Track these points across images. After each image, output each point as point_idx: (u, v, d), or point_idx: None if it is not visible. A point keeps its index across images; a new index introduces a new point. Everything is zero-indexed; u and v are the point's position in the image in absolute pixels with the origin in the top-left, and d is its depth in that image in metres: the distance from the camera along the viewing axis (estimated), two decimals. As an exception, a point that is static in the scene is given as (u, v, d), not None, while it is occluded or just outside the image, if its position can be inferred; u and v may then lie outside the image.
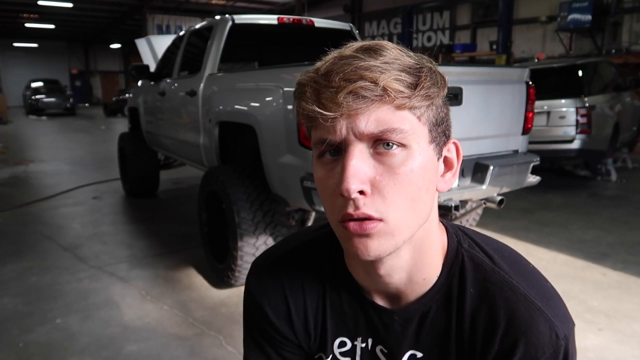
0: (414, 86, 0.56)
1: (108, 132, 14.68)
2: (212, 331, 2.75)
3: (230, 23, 3.84)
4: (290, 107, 2.65)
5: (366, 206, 0.55)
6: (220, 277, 3.29)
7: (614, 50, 10.44)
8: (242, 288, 3.20)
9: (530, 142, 3.50)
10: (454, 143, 0.66)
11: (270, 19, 4.19)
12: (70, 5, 18.52)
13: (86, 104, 30.60)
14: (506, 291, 0.64)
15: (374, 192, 0.55)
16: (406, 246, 0.62)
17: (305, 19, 4.36)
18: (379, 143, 0.56)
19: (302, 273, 0.76)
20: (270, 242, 3.03)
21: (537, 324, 0.62)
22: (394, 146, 0.56)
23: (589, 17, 10.35)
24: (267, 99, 2.91)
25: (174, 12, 18.40)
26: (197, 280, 3.45)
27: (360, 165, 0.55)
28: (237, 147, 3.63)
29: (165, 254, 4.00)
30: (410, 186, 0.56)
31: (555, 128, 5.54)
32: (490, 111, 3.14)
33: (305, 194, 2.60)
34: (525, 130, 3.35)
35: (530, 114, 3.34)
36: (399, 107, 0.55)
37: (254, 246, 2.98)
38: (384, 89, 0.54)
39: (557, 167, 7.16)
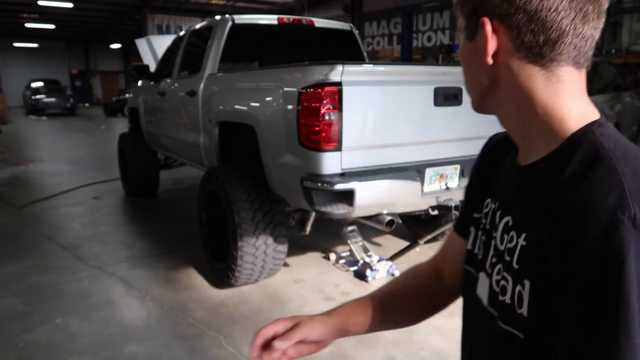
0: None
1: (108, 132, 14.68)
2: (212, 331, 2.75)
3: (230, 23, 3.84)
4: (290, 107, 2.65)
5: None
6: (220, 277, 3.29)
7: (614, 50, 10.43)
8: (242, 288, 3.19)
9: (531, 142, 3.49)
10: (481, 21, 0.68)
11: (270, 19, 4.19)
12: (70, 5, 18.52)
13: (86, 104, 30.58)
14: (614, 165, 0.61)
15: None
16: (496, 107, 0.75)
17: (305, 19, 4.36)
18: None
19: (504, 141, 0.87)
20: (270, 242, 3.03)
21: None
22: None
23: (589, 17, 10.33)
24: (267, 99, 2.91)
25: (174, 12, 18.39)
26: (197, 280, 3.45)
27: None
28: (237, 147, 3.63)
29: (165, 254, 4.00)
30: (461, 62, 0.78)
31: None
32: (490, 111, 3.14)
33: (305, 194, 2.60)
34: (526, 130, 3.35)
35: (531, 114, 3.34)
36: (458, 15, 0.76)
37: (254, 246, 2.98)
38: None
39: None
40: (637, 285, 0.53)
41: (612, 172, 0.60)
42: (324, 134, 2.50)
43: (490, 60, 0.68)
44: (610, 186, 0.58)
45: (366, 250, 3.57)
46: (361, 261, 3.52)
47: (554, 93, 0.68)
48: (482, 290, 0.78)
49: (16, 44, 28.59)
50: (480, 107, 0.78)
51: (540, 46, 0.65)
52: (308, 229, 3.15)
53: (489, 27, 0.66)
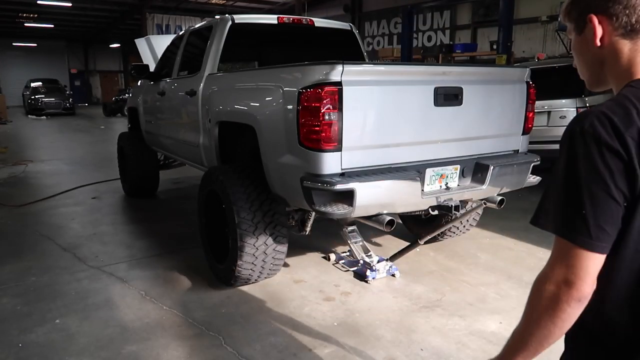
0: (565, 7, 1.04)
1: (107, 132, 14.67)
2: (212, 331, 2.75)
3: (230, 23, 3.83)
4: (290, 106, 2.65)
5: None
6: (220, 278, 3.28)
7: None
8: (242, 288, 3.17)
9: (531, 142, 3.49)
10: (589, 17, 0.96)
11: (270, 19, 4.19)
12: (69, 4, 18.50)
13: (85, 104, 30.56)
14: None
15: None
16: (607, 82, 1.00)
17: (305, 18, 4.35)
18: None
19: None
20: (270, 242, 3.03)
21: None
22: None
23: (589, 17, 10.33)
24: (267, 99, 2.90)
25: (173, 12, 18.41)
26: (197, 280, 3.45)
27: None
28: (237, 147, 3.63)
29: (165, 254, 3.99)
30: (574, 54, 1.05)
31: (555, 128, 5.53)
32: (490, 111, 3.13)
33: (305, 194, 2.59)
34: (526, 130, 3.34)
35: (531, 114, 3.33)
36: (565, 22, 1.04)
37: (254, 246, 2.97)
38: None
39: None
40: (567, 167, 0.87)
41: (601, 105, 0.87)
42: (324, 134, 2.49)
43: (598, 43, 0.96)
44: (589, 113, 0.87)
45: (366, 251, 3.57)
46: (361, 261, 3.51)
47: (631, 60, 0.94)
48: None
49: (15, 44, 28.57)
50: (594, 85, 1.04)
51: (632, 24, 0.92)
52: (308, 229, 3.14)
53: (595, 20, 0.95)
